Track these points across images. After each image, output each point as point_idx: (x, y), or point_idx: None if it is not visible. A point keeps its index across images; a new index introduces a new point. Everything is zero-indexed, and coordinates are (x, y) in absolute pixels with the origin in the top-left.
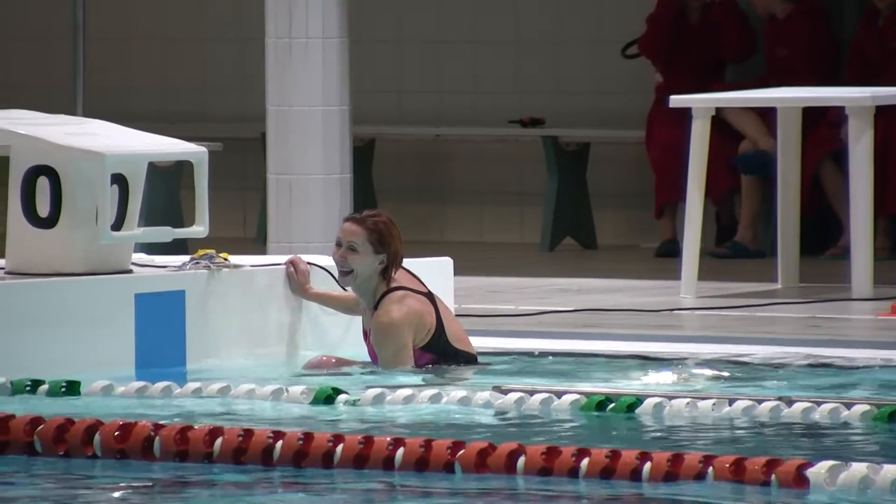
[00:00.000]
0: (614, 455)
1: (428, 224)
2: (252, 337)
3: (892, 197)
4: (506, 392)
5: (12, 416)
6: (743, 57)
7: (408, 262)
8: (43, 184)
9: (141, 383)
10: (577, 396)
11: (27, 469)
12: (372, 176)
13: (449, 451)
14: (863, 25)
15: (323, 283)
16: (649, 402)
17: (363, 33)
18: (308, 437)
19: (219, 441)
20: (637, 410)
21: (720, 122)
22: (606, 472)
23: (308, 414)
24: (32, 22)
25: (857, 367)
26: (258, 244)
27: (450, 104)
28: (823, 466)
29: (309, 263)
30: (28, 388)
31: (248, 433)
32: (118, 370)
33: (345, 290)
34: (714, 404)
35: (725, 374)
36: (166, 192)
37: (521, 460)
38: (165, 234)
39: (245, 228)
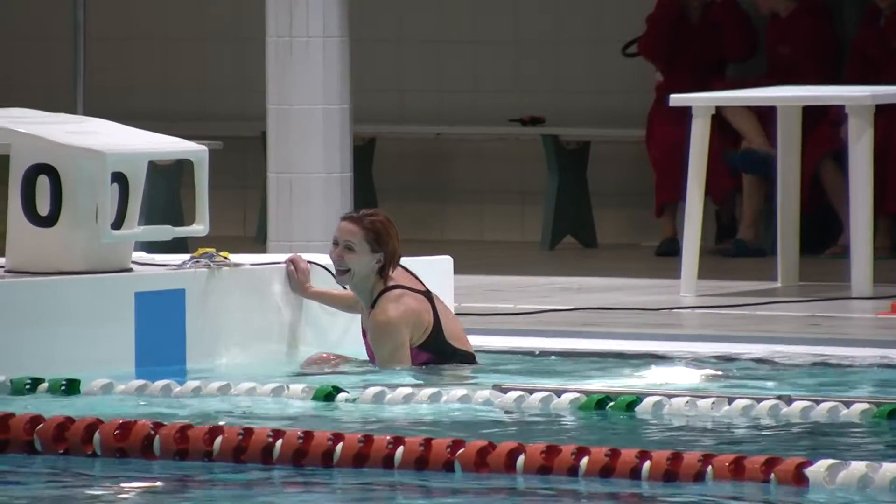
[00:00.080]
0: (614, 454)
1: (428, 223)
2: (252, 336)
3: (892, 196)
4: (506, 391)
5: (12, 415)
6: (745, 56)
7: (407, 261)
8: (43, 182)
9: (141, 381)
10: (577, 395)
11: (27, 468)
12: (372, 175)
13: (449, 449)
14: (864, 25)
15: (323, 282)
16: (649, 401)
17: (364, 32)
18: (308, 435)
19: (218, 440)
20: (636, 409)
21: (721, 120)
22: (606, 471)
23: (308, 412)
24: (33, 22)
25: (857, 366)
26: (258, 243)
27: (450, 103)
28: (823, 465)
29: (309, 262)
30: (28, 387)
31: (248, 432)
32: (118, 368)
33: (345, 288)
34: (713, 403)
35: (725, 372)
36: (166, 190)
37: (521, 459)
38: (165, 232)
39: (245, 227)
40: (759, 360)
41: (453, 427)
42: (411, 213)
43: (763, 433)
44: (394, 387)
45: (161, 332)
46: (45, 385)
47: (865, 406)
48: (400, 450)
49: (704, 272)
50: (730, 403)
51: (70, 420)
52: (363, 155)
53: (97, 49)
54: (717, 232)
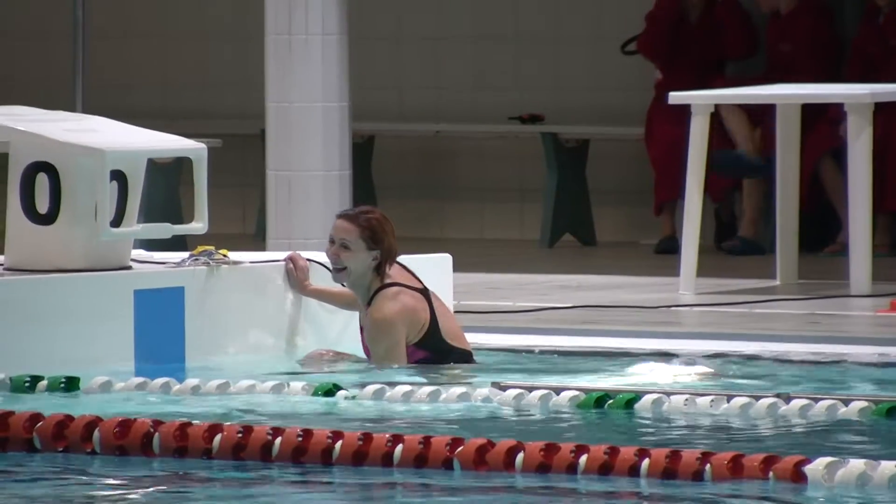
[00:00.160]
0: (613, 451)
1: (428, 221)
2: (251, 333)
3: (891, 194)
4: (505, 388)
5: (12, 413)
6: (746, 55)
7: (406, 259)
8: (42, 180)
9: (140, 379)
10: (576, 393)
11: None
12: (372, 173)
13: (448, 447)
14: (863, 24)
15: (322, 280)
16: (648, 399)
17: (363, 30)
18: (307, 433)
19: (218, 437)
20: (636, 407)
21: (720, 121)
22: (605, 469)
23: (307, 410)
24: (33, 20)
25: (856, 364)
26: (257, 241)
27: (450, 101)
28: (821, 463)
29: (308, 260)
30: (27, 385)
31: (248, 429)
32: (117, 366)
33: (342, 286)
34: (712, 401)
35: (723, 370)
36: (166, 188)
37: (520, 457)
38: (165, 230)
39: (244, 225)
40: (757, 358)
41: (452, 425)
42: (411, 211)
43: (762, 431)
44: (393, 384)
45: (160, 329)
46: (44, 383)
47: (864, 404)
48: (399, 448)
49: (703, 270)
50: (728, 401)
51: (70, 418)
52: (362, 153)
53: (97, 47)
54: (717, 230)
